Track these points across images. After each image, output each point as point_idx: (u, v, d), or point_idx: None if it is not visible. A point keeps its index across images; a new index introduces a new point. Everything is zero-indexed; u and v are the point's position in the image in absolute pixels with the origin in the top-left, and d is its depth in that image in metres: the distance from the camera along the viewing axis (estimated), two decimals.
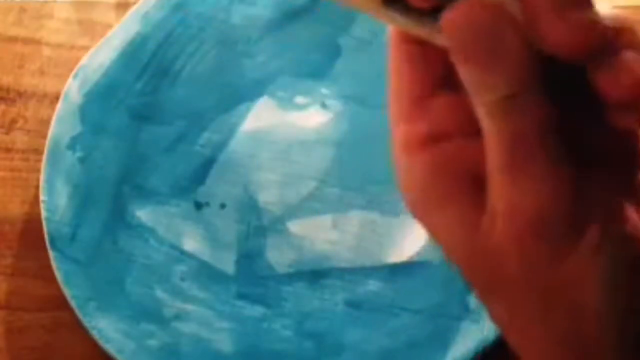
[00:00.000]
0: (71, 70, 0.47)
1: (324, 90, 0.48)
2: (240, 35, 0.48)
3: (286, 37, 0.48)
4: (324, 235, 0.46)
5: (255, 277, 0.46)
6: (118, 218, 0.46)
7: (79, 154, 0.46)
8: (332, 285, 0.45)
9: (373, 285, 0.45)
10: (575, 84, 0.23)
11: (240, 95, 0.48)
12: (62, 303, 0.43)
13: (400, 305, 0.44)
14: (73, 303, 0.43)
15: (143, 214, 0.46)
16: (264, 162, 0.47)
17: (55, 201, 0.45)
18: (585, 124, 0.24)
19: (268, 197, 0.47)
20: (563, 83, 0.23)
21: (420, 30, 0.23)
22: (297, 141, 0.48)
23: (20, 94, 0.49)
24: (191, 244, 0.46)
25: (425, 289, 0.44)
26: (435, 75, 0.25)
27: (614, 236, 0.23)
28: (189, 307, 0.45)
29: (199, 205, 0.47)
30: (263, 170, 0.47)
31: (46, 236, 0.44)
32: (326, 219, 0.46)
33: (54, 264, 0.44)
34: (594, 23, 0.21)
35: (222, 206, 0.47)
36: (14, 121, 0.49)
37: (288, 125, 0.48)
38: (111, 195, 0.46)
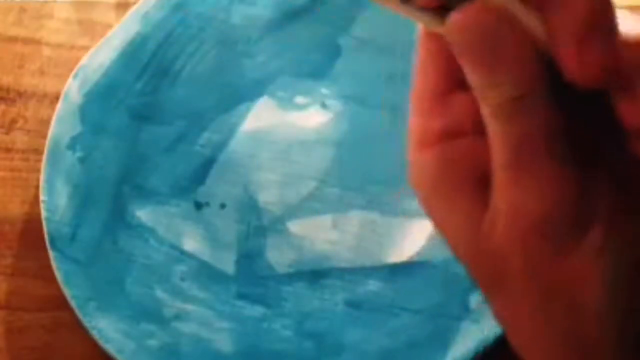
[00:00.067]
0: (71, 70, 0.47)
1: (324, 90, 0.48)
2: (240, 35, 0.48)
3: (286, 37, 0.48)
4: (324, 235, 0.46)
5: (255, 277, 0.46)
6: (118, 218, 0.46)
7: (79, 154, 0.46)
8: (332, 285, 0.45)
9: (373, 285, 0.45)
10: (589, 95, 0.23)
11: (240, 95, 0.48)
12: (62, 303, 0.43)
13: (400, 305, 0.44)
14: (73, 303, 0.43)
15: (143, 214, 0.46)
16: (264, 162, 0.47)
17: (55, 201, 0.45)
18: (595, 128, 0.24)
19: (268, 197, 0.47)
20: (575, 91, 0.23)
21: (435, 27, 0.24)
22: (297, 141, 0.48)
23: (20, 94, 0.49)
24: (191, 244, 0.46)
25: (425, 289, 0.44)
26: (456, 73, 0.25)
27: (617, 237, 0.23)
28: (189, 307, 0.45)
29: (199, 205, 0.47)
30: (263, 170, 0.47)
31: (46, 236, 0.44)
32: (326, 219, 0.46)
33: (54, 264, 0.44)
34: (615, 56, 0.22)
35: (222, 206, 0.47)
36: (14, 121, 0.49)
37: (288, 125, 0.48)
38: (111, 195, 0.46)
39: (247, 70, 0.48)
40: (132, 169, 0.47)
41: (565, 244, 0.23)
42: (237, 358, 0.44)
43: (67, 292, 0.43)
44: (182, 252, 0.46)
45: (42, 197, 0.44)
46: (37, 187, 0.45)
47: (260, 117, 0.48)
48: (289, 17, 0.48)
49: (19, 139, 0.48)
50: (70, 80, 0.46)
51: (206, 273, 0.46)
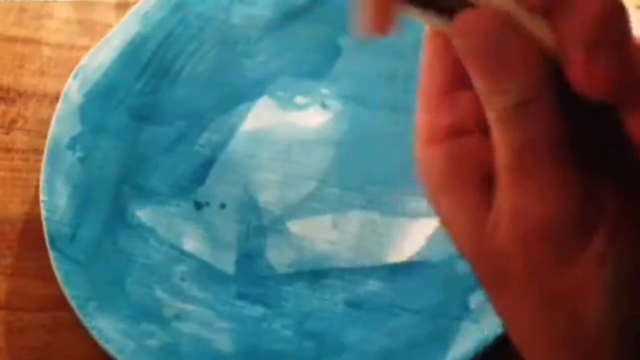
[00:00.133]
0: (71, 70, 0.47)
1: (324, 90, 0.48)
2: (240, 35, 0.48)
3: (286, 37, 0.48)
4: (324, 235, 0.46)
5: (255, 277, 0.46)
6: (118, 218, 0.46)
7: (79, 154, 0.46)
8: (332, 285, 0.45)
9: (373, 285, 0.45)
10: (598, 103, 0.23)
11: (240, 95, 0.48)
12: (62, 303, 0.43)
13: (400, 305, 0.44)
14: (73, 303, 0.43)
15: (143, 214, 0.46)
16: (264, 162, 0.47)
17: (55, 201, 0.45)
18: (602, 134, 0.24)
19: (268, 197, 0.47)
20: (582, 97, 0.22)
21: (441, 27, 0.23)
22: (297, 141, 0.48)
23: (20, 94, 0.49)
24: (191, 244, 0.46)
25: (425, 289, 0.44)
26: (463, 70, 0.25)
27: (621, 245, 0.23)
28: (189, 307, 0.45)
29: (199, 205, 0.47)
30: (263, 170, 0.47)
31: (46, 236, 0.44)
32: (326, 219, 0.46)
33: (54, 264, 0.44)
34: (626, 70, 0.21)
35: (222, 206, 0.47)
36: (14, 121, 0.49)
37: (288, 125, 0.48)
38: (111, 195, 0.46)
39: (247, 70, 0.48)
40: (132, 169, 0.47)
41: (567, 250, 0.23)
42: (237, 358, 0.44)
43: (67, 292, 0.43)
44: (182, 252, 0.46)
45: (42, 197, 0.44)
46: (37, 187, 0.45)
47: (260, 117, 0.48)
48: (289, 17, 0.48)
49: (19, 139, 0.48)
50: (70, 80, 0.46)
51: (206, 273, 0.46)
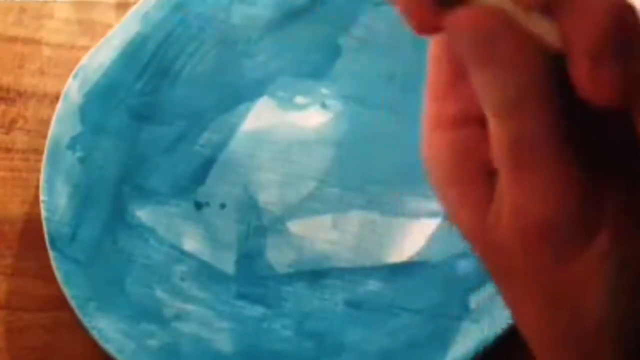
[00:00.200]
0: (71, 70, 0.47)
1: (324, 90, 0.48)
2: (240, 35, 0.48)
3: (286, 37, 0.48)
4: (324, 235, 0.46)
5: (255, 277, 0.46)
6: (118, 218, 0.46)
7: (79, 154, 0.46)
8: (332, 285, 0.45)
9: (373, 285, 0.45)
10: None
11: (240, 95, 0.48)
12: (62, 303, 0.43)
13: (400, 305, 0.44)
14: (73, 303, 0.43)
15: (143, 214, 0.46)
16: (264, 162, 0.47)
17: (55, 201, 0.45)
18: (607, 130, 0.23)
19: (268, 197, 0.47)
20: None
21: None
22: (297, 141, 0.48)
23: (20, 94, 0.49)
24: (191, 244, 0.46)
25: (425, 289, 0.44)
26: None
27: (624, 243, 0.23)
28: (189, 307, 0.45)
29: (199, 205, 0.47)
30: (263, 170, 0.47)
31: (46, 236, 0.44)
32: (326, 219, 0.46)
33: (54, 264, 0.44)
34: (634, 77, 0.21)
35: (222, 206, 0.47)
36: (14, 121, 0.49)
37: (288, 125, 0.48)
38: (111, 195, 0.46)
39: (247, 70, 0.48)
40: (132, 169, 0.47)
41: (568, 248, 0.23)
42: (237, 358, 0.44)
43: (67, 292, 0.43)
44: (182, 252, 0.46)
45: (42, 197, 0.44)
46: (37, 187, 0.45)
47: (260, 117, 0.48)
48: (289, 17, 0.48)
49: (19, 139, 0.48)
50: (70, 80, 0.46)
51: (206, 273, 0.46)
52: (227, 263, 0.46)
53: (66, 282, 0.43)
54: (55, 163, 0.45)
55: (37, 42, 0.50)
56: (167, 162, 0.47)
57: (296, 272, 0.45)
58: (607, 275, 0.23)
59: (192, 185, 0.47)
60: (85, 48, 0.48)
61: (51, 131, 0.45)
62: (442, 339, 0.43)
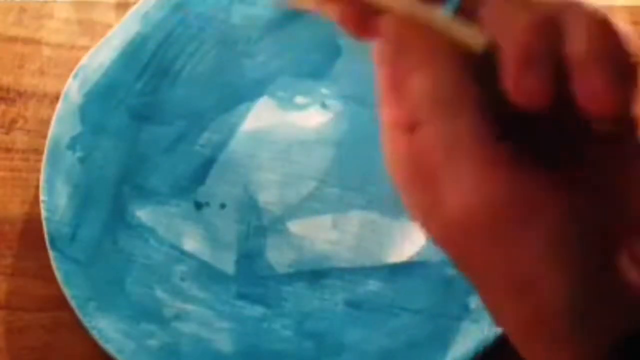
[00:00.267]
0: (71, 70, 0.47)
1: (324, 90, 0.48)
2: (240, 35, 0.48)
3: (286, 37, 0.48)
4: (324, 235, 0.46)
5: (255, 277, 0.46)
6: (118, 218, 0.46)
7: (79, 154, 0.46)
8: (332, 285, 0.45)
9: (373, 285, 0.45)
10: None
11: (240, 95, 0.48)
12: (62, 303, 0.43)
13: (400, 305, 0.44)
14: (73, 303, 0.43)
15: (143, 214, 0.46)
16: (264, 162, 0.47)
17: (55, 201, 0.45)
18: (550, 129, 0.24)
19: (268, 197, 0.47)
20: None
21: None
22: (297, 141, 0.48)
23: (20, 94, 0.49)
24: (191, 244, 0.46)
25: (425, 289, 0.44)
26: None
27: (572, 233, 0.23)
28: (189, 307, 0.45)
29: (199, 205, 0.47)
30: (263, 170, 0.47)
31: (46, 236, 0.44)
32: (326, 219, 0.46)
33: (54, 264, 0.44)
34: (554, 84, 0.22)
35: (222, 206, 0.47)
36: (14, 121, 0.49)
37: (288, 125, 0.48)
38: (111, 195, 0.46)
39: (247, 70, 0.48)
40: (132, 169, 0.47)
41: (509, 241, 0.23)
42: (237, 358, 0.44)
43: (67, 292, 0.43)
44: (182, 252, 0.46)
45: (42, 197, 0.44)
46: (37, 187, 0.45)
47: (260, 117, 0.48)
48: (289, 17, 0.48)
49: (19, 139, 0.48)
50: (70, 80, 0.46)
51: (206, 273, 0.46)
52: (227, 263, 0.46)
53: (66, 282, 0.43)
54: (55, 163, 0.45)
55: (37, 42, 0.50)
56: (167, 162, 0.47)
57: (296, 272, 0.45)
58: (556, 257, 0.23)
59: (192, 185, 0.47)
60: (85, 48, 0.48)
61: (51, 131, 0.45)
62: (442, 339, 0.43)
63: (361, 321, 0.44)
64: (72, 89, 0.46)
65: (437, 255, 0.45)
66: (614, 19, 0.22)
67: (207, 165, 0.47)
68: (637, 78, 0.22)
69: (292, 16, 0.48)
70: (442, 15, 0.23)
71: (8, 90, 0.49)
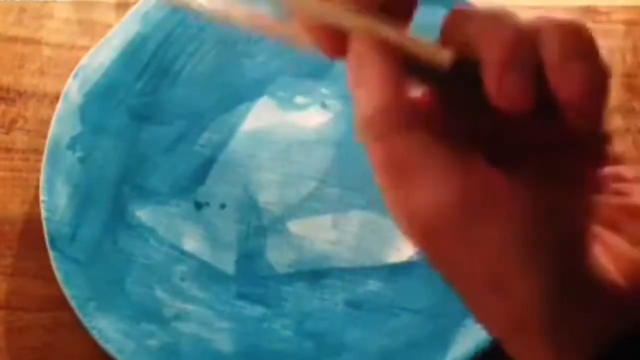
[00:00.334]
0: (71, 70, 0.47)
1: (324, 90, 0.48)
2: (240, 35, 0.48)
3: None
4: (324, 235, 0.46)
5: (255, 277, 0.46)
6: (118, 218, 0.46)
7: (79, 154, 0.46)
8: (332, 285, 0.45)
9: (373, 285, 0.45)
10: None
11: (240, 95, 0.48)
12: (62, 303, 0.43)
13: (400, 305, 0.44)
14: (73, 303, 0.43)
15: (143, 214, 0.46)
16: (264, 162, 0.47)
17: (55, 201, 0.45)
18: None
19: (268, 197, 0.47)
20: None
21: None
22: (297, 141, 0.48)
23: (20, 94, 0.49)
24: (191, 244, 0.46)
25: (425, 289, 0.44)
26: None
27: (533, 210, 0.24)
28: (189, 307, 0.45)
29: (199, 205, 0.47)
30: (263, 170, 0.47)
31: (46, 236, 0.44)
32: (326, 219, 0.46)
33: (54, 264, 0.44)
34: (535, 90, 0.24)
35: (222, 206, 0.47)
36: (14, 121, 0.49)
37: (288, 125, 0.48)
38: (111, 195, 0.46)
39: (247, 70, 0.48)
40: (132, 169, 0.47)
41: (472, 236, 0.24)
42: (237, 358, 0.44)
43: (67, 292, 0.43)
44: (182, 252, 0.46)
45: (42, 197, 0.44)
46: (37, 187, 0.45)
47: (260, 117, 0.48)
48: (289, 17, 0.48)
49: (19, 139, 0.48)
50: (70, 80, 0.46)
51: (206, 273, 0.46)
52: (227, 263, 0.46)
53: (66, 282, 0.43)
54: (55, 163, 0.45)
55: (37, 42, 0.50)
56: (167, 162, 0.47)
57: (296, 272, 0.45)
58: (520, 253, 0.24)
59: (192, 185, 0.47)
60: (85, 48, 0.48)
61: (51, 131, 0.45)
62: (442, 339, 0.43)
63: (361, 321, 0.44)
64: (72, 89, 0.46)
65: None
66: (586, 29, 0.24)
67: (207, 165, 0.47)
68: (608, 80, 0.24)
69: (292, 16, 0.48)
70: (409, 35, 0.25)
71: (8, 90, 0.49)
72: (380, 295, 0.45)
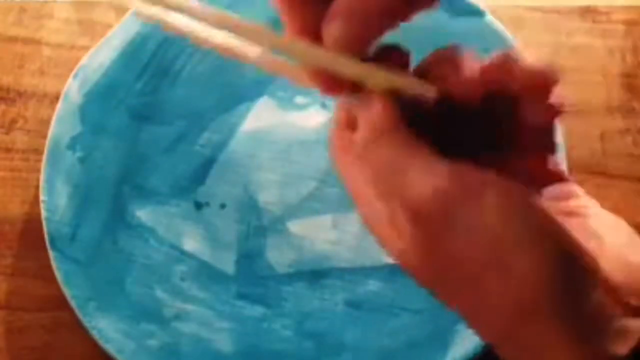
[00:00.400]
0: (71, 70, 0.47)
1: None
2: None
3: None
4: (324, 235, 0.46)
5: (255, 277, 0.46)
6: (118, 218, 0.46)
7: (79, 154, 0.46)
8: (332, 285, 0.45)
9: (373, 285, 0.45)
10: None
11: (240, 95, 0.48)
12: (62, 303, 0.43)
13: (400, 305, 0.44)
14: (73, 303, 0.43)
15: (143, 214, 0.46)
16: (264, 162, 0.47)
17: (55, 201, 0.45)
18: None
19: (268, 197, 0.47)
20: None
21: None
22: (297, 141, 0.48)
23: (20, 94, 0.49)
24: (191, 244, 0.46)
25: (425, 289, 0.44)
26: None
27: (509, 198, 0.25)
28: (189, 307, 0.45)
29: (199, 205, 0.47)
30: (263, 170, 0.47)
31: (46, 236, 0.44)
32: (326, 219, 0.46)
33: (54, 264, 0.44)
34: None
35: (222, 206, 0.47)
36: (14, 121, 0.49)
37: (288, 125, 0.48)
38: (111, 195, 0.46)
39: (247, 70, 0.48)
40: (132, 169, 0.47)
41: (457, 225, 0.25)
42: (237, 358, 0.44)
43: (67, 292, 0.43)
44: (182, 252, 0.46)
45: (42, 197, 0.44)
46: (37, 187, 0.45)
47: (260, 117, 0.48)
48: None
49: (19, 139, 0.48)
50: (70, 80, 0.46)
51: (206, 273, 0.46)
52: (227, 263, 0.46)
53: (66, 282, 0.43)
54: (55, 163, 0.45)
55: (37, 42, 0.50)
56: (167, 162, 0.47)
57: (296, 272, 0.45)
58: (510, 237, 0.24)
59: (192, 185, 0.47)
60: (85, 48, 0.48)
61: (51, 131, 0.45)
62: (442, 339, 0.43)
63: (361, 321, 0.44)
64: (72, 89, 0.46)
65: None
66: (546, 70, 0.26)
67: (207, 165, 0.47)
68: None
69: None
70: (396, 74, 0.27)
71: (8, 90, 0.49)
72: (380, 295, 0.45)
